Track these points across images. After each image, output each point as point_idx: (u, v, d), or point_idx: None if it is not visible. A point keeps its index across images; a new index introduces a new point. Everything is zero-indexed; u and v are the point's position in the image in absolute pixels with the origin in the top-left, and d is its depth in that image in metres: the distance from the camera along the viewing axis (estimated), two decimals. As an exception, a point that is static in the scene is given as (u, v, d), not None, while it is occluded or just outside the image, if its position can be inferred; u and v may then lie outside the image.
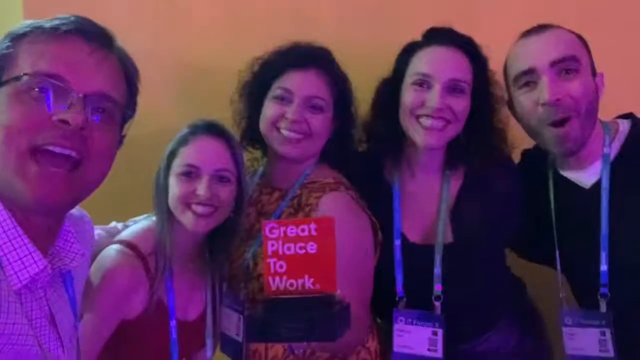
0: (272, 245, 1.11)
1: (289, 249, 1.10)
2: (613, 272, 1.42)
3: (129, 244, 1.44)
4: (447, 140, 1.51)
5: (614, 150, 1.47)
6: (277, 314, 1.03)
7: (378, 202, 1.54)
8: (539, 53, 1.44)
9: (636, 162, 1.44)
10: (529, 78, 1.45)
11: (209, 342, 1.54)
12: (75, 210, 1.11)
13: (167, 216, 1.45)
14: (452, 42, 1.50)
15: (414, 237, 1.56)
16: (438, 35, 1.52)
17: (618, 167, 1.45)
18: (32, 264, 0.89)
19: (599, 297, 1.43)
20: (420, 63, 1.50)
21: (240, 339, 1.50)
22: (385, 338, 1.59)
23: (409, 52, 1.54)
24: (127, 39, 1.04)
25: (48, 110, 0.87)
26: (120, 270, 1.39)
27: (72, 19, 0.94)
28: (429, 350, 1.52)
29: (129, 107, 1.00)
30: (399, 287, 1.53)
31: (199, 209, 1.42)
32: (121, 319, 1.41)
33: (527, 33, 1.50)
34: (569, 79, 1.42)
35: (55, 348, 0.95)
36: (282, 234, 1.10)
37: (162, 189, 1.47)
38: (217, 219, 1.45)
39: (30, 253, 0.89)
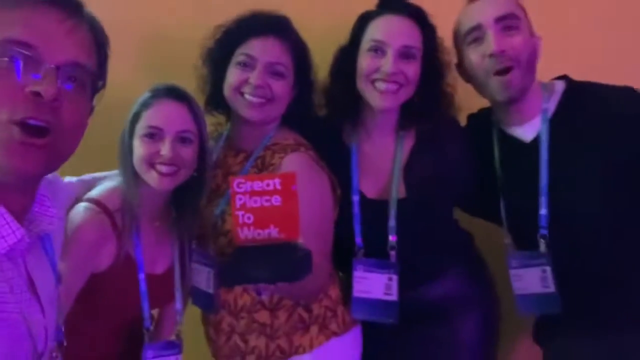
0: (240, 199, 1.21)
1: (255, 202, 1.21)
2: (551, 216, 1.56)
3: (96, 202, 1.50)
4: (400, 103, 1.62)
5: (551, 106, 1.62)
6: (246, 260, 1.14)
7: (337, 162, 1.65)
8: (484, 11, 1.59)
9: (572, 117, 1.58)
10: (476, 34, 1.59)
11: (177, 295, 1.62)
12: (50, 179, 1.11)
13: (132, 176, 1.51)
14: (403, 11, 1.61)
15: (370, 193, 1.67)
16: (391, 5, 1.63)
17: (555, 122, 1.59)
18: (9, 234, 0.89)
19: (538, 238, 1.57)
20: (375, 31, 1.60)
21: (211, 291, 1.59)
22: (345, 286, 1.71)
23: (364, 20, 1.64)
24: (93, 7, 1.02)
25: (18, 82, 0.85)
26: (88, 226, 1.45)
27: None
28: (385, 294, 1.63)
29: (100, 76, 0.99)
30: (358, 238, 1.65)
31: (163, 168, 1.48)
32: (91, 272, 1.47)
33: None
34: (511, 34, 1.56)
35: (35, 312, 0.96)
36: (248, 189, 1.21)
37: (126, 150, 1.52)
38: (180, 177, 1.51)
39: (7, 223, 0.89)
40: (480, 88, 1.64)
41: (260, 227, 1.21)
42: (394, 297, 1.64)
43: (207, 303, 1.63)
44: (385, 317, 1.64)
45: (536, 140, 1.60)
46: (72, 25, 0.91)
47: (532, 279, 1.58)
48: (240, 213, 1.21)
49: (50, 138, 0.88)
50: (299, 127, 1.68)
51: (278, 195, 1.20)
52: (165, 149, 1.48)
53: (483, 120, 1.73)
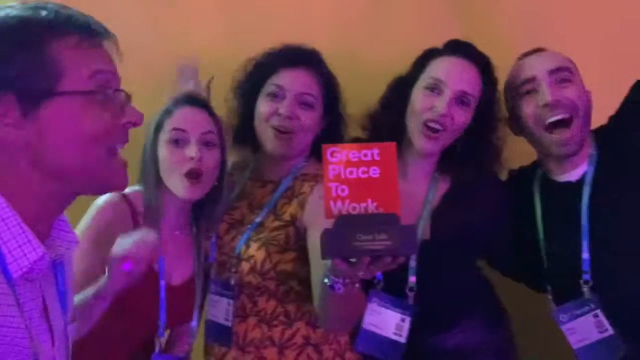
0: (334, 169, 1.11)
1: (351, 173, 1.10)
2: (592, 259, 1.53)
3: (122, 194, 1.49)
4: (441, 147, 1.60)
5: (598, 150, 1.62)
6: (356, 227, 1.02)
7: None
8: (538, 64, 1.60)
9: (616, 157, 1.60)
10: (529, 86, 1.59)
11: (195, 312, 1.56)
12: None
13: (155, 186, 1.49)
14: (469, 57, 1.61)
15: None
16: (458, 47, 1.63)
17: (600, 162, 1.60)
18: (31, 252, 0.87)
19: (582, 284, 1.53)
20: (436, 69, 1.60)
21: (229, 324, 1.52)
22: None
23: (427, 56, 1.63)
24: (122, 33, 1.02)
25: (116, 113, 0.92)
26: (107, 205, 1.45)
27: (91, 20, 0.93)
28: (394, 333, 1.56)
29: None
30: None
31: (193, 174, 1.45)
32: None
33: (525, 54, 1.67)
34: (565, 86, 1.57)
35: (45, 341, 0.92)
36: (344, 158, 1.11)
37: (150, 161, 1.50)
38: (206, 184, 1.48)
39: (29, 240, 0.87)
40: (534, 141, 1.64)
41: (356, 201, 1.09)
42: (402, 339, 1.57)
43: (222, 337, 1.54)
44: (389, 357, 1.56)
45: (580, 181, 1.59)
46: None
47: (586, 328, 1.51)
48: (333, 185, 1.09)
49: None
50: None
51: (376, 167, 1.10)
52: (192, 152, 1.45)
53: (524, 175, 1.73)
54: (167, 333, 1.57)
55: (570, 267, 1.56)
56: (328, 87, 1.61)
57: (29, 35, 0.86)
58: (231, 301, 1.51)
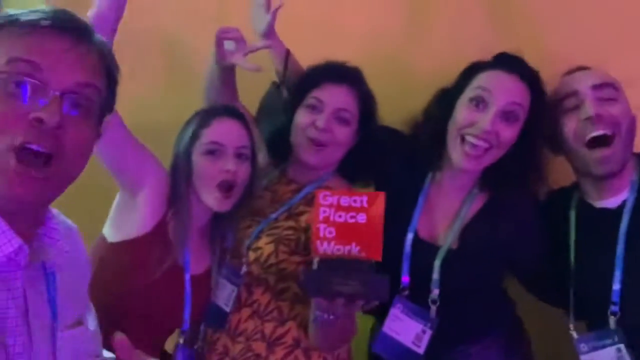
0: (324, 211, 1.20)
1: (340, 217, 1.19)
2: (624, 291, 1.49)
3: None
4: (482, 167, 1.57)
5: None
6: (333, 271, 1.12)
7: (405, 191, 1.61)
8: (582, 79, 1.55)
9: None
10: (572, 101, 1.54)
11: None
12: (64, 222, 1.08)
13: (186, 194, 1.54)
14: (519, 71, 1.55)
15: (424, 235, 1.64)
16: (507, 61, 1.57)
17: None
18: (5, 243, 0.85)
19: (609, 315, 1.49)
20: (483, 81, 1.55)
21: (228, 309, 1.58)
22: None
23: (474, 69, 1.59)
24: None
25: (25, 106, 0.85)
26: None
27: (51, 12, 0.91)
28: (413, 343, 1.57)
29: (107, 102, 0.98)
30: (405, 277, 1.59)
31: (226, 184, 1.51)
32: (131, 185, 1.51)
33: (569, 71, 1.61)
34: (609, 103, 1.52)
35: (19, 343, 0.89)
36: (334, 202, 1.20)
37: (183, 169, 1.55)
38: (236, 196, 1.54)
39: (3, 232, 0.85)
40: (573, 159, 1.59)
41: (341, 243, 1.19)
42: (421, 350, 1.58)
43: (218, 320, 1.60)
44: None
45: (619, 208, 1.54)
46: (82, 53, 0.91)
47: None
48: (322, 226, 1.20)
49: (52, 166, 0.87)
50: (352, 175, 1.69)
51: (364, 213, 1.19)
52: (229, 164, 1.51)
53: (562, 196, 1.68)
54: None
55: (599, 297, 1.52)
56: (365, 105, 1.64)
57: None
58: (236, 289, 1.57)
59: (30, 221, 0.92)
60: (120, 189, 1.56)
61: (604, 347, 1.50)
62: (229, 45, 1.68)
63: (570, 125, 1.54)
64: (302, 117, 1.62)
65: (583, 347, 1.54)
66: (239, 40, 1.67)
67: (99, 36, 0.96)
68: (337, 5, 2.01)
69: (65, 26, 0.90)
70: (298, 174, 1.68)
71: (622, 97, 1.54)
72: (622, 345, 1.48)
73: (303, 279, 1.17)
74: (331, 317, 1.26)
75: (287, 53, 1.77)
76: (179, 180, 1.55)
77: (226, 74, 1.73)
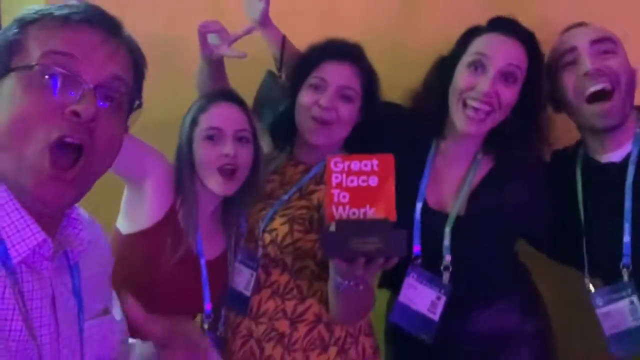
0: (336, 177, 1.23)
1: (352, 181, 1.22)
2: (635, 243, 1.50)
3: None
4: (485, 130, 1.59)
5: None
6: (351, 231, 1.15)
7: (410, 164, 1.60)
8: (579, 35, 1.57)
9: None
10: (570, 57, 1.56)
11: None
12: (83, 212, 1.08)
13: (191, 180, 1.56)
14: (514, 33, 1.56)
15: (432, 203, 1.66)
16: (502, 24, 1.59)
17: None
18: (30, 237, 0.86)
19: (621, 267, 1.50)
20: (480, 45, 1.57)
21: (248, 293, 1.60)
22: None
23: (470, 34, 1.61)
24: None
25: (60, 98, 0.86)
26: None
27: (83, 7, 0.92)
28: (428, 310, 1.60)
29: (136, 96, 1.00)
30: (417, 246, 1.62)
31: (226, 168, 1.52)
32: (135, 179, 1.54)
33: (567, 28, 1.63)
34: (608, 57, 1.53)
35: (46, 334, 0.91)
36: (346, 168, 1.23)
37: (185, 157, 1.57)
38: (240, 180, 1.56)
39: (28, 225, 0.87)
40: (575, 115, 1.61)
41: (356, 207, 1.22)
42: (436, 316, 1.61)
43: (240, 305, 1.62)
44: (421, 332, 1.61)
45: (625, 161, 1.56)
46: (113, 47, 0.92)
47: (621, 314, 1.51)
48: (336, 192, 1.22)
49: (81, 160, 0.89)
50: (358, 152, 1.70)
51: (375, 176, 1.22)
52: (227, 149, 1.53)
53: (567, 155, 1.70)
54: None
55: (610, 250, 1.54)
56: (368, 82, 1.66)
57: (15, 24, 0.90)
58: (254, 272, 1.59)
59: (54, 214, 0.94)
60: (126, 182, 1.58)
61: (618, 299, 1.52)
62: (213, 39, 1.69)
63: (569, 81, 1.56)
64: (305, 97, 1.63)
65: (599, 301, 1.56)
66: (221, 32, 1.69)
67: (128, 32, 0.98)
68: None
69: (97, 20, 0.92)
70: (305, 155, 1.70)
71: (621, 50, 1.56)
72: (634, 298, 1.50)
73: (321, 242, 1.20)
74: (352, 283, 1.29)
75: (284, 39, 1.79)
76: (183, 167, 1.56)
77: (215, 67, 1.74)
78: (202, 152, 1.54)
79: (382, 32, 1.98)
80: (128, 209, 1.58)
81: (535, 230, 1.70)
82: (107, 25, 0.93)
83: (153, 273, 1.50)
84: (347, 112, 1.61)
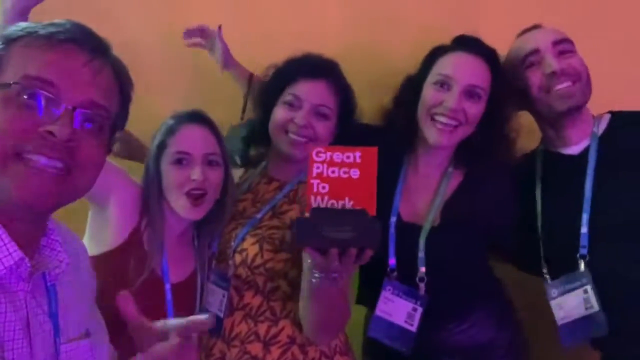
0: (317, 167, 1.21)
1: (333, 172, 1.20)
2: (590, 235, 1.55)
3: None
4: (455, 142, 1.63)
5: (600, 129, 1.67)
6: (325, 219, 1.12)
7: (385, 178, 1.60)
8: (540, 36, 1.66)
9: (619, 137, 1.63)
10: (534, 58, 1.64)
11: (196, 305, 1.59)
12: (66, 233, 1.07)
13: (158, 202, 1.52)
14: (476, 50, 1.62)
15: (406, 217, 1.68)
16: (465, 42, 1.64)
17: (603, 140, 1.63)
18: (6, 256, 0.84)
19: (578, 258, 1.55)
20: (444, 65, 1.62)
21: (222, 314, 1.56)
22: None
23: (435, 53, 1.66)
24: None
25: (37, 118, 0.86)
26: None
27: (68, 26, 0.91)
28: (405, 322, 1.61)
29: (120, 118, 0.99)
30: (392, 260, 1.63)
31: (196, 192, 1.49)
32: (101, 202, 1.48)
33: (526, 29, 1.72)
34: (568, 56, 1.63)
35: (19, 355, 0.88)
36: (327, 158, 1.21)
37: (153, 178, 1.53)
38: (209, 203, 1.52)
39: (4, 244, 0.85)
40: (537, 106, 1.66)
41: (334, 198, 1.20)
42: (413, 328, 1.61)
43: (213, 327, 1.52)
44: (399, 344, 1.61)
45: (584, 155, 1.63)
46: (96, 68, 0.92)
47: (574, 304, 1.55)
48: (315, 182, 1.20)
49: (62, 174, 0.88)
50: None
51: (357, 169, 1.20)
52: (195, 174, 1.49)
53: (529, 157, 1.77)
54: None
55: (567, 241, 1.58)
56: (344, 99, 1.65)
57: (1, 40, 0.90)
58: (226, 293, 1.55)
59: (33, 232, 0.93)
60: (90, 202, 1.52)
61: (572, 289, 1.56)
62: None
63: (534, 80, 1.64)
64: (280, 113, 1.61)
65: (553, 292, 1.61)
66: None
67: (114, 53, 0.97)
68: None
69: (83, 40, 0.91)
70: (279, 171, 1.68)
71: (576, 49, 1.66)
72: (589, 287, 1.53)
73: (294, 228, 1.17)
74: (327, 276, 1.25)
75: (250, 77, 1.85)
76: (151, 189, 1.53)
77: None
78: (170, 175, 1.50)
79: (362, 41, 2.01)
80: (92, 230, 1.52)
81: (503, 237, 1.72)
82: (92, 45, 0.92)
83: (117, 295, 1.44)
84: (324, 129, 1.61)
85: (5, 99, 0.85)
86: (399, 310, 1.63)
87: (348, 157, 1.21)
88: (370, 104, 1.75)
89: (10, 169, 0.84)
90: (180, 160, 1.50)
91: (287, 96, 1.61)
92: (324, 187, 1.20)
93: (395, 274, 1.64)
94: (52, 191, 0.87)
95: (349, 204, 1.19)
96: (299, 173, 1.63)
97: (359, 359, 1.73)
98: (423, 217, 1.66)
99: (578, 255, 1.56)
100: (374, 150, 1.20)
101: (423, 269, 1.62)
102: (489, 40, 1.66)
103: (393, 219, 1.66)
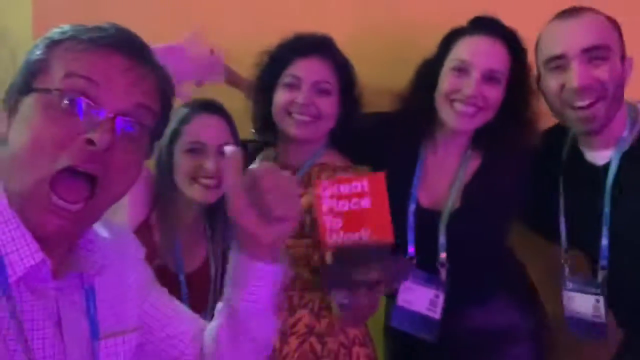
0: (327, 203, 1.18)
1: (343, 205, 1.17)
2: (612, 246, 1.50)
3: None
4: (475, 126, 1.59)
5: (631, 137, 1.51)
6: (351, 261, 1.10)
7: (401, 166, 1.63)
8: (571, 39, 1.46)
9: None
10: (559, 62, 1.48)
11: (210, 297, 1.59)
12: (113, 228, 1.07)
13: (171, 189, 1.54)
14: (494, 33, 1.56)
15: (425, 203, 1.65)
16: (482, 24, 1.58)
17: (632, 150, 1.49)
18: (27, 256, 0.84)
19: (598, 268, 1.52)
20: (462, 50, 1.57)
21: None
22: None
23: (452, 37, 1.60)
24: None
25: (77, 124, 0.84)
26: None
27: (113, 30, 0.90)
28: (427, 309, 1.60)
29: (159, 126, 0.97)
30: (411, 247, 1.61)
31: (208, 182, 1.50)
32: None
33: (561, 15, 1.51)
34: (597, 65, 1.44)
35: (51, 353, 0.89)
36: (335, 192, 1.17)
37: (165, 166, 1.54)
38: (221, 191, 1.51)
39: (27, 244, 0.84)
40: (557, 115, 1.56)
41: (350, 231, 1.17)
42: (436, 315, 1.60)
43: None
44: (424, 333, 1.60)
45: (607, 166, 1.52)
46: (140, 73, 0.90)
47: (584, 306, 1.55)
48: (327, 218, 1.17)
49: (93, 190, 0.86)
50: (346, 146, 1.68)
51: (367, 197, 1.16)
52: (209, 163, 1.51)
53: (557, 137, 1.65)
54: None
55: (588, 249, 1.56)
56: (343, 73, 1.63)
57: (41, 44, 0.89)
58: None
59: (62, 241, 0.91)
60: None
61: (587, 292, 1.55)
62: None
63: (554, 86, 1.50)
64: (281, 96, 1.61)
65: (569, 284, 1.60)
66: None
67: (157, 59, 0.95)
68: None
69: (126, 46, 0.89)
70: (290, 157, 1.67)
71: (615, 51, 1.47)
72: (601, 298, 1.52)
73: (321, 277, 1.15)
74: (354, 302, 1.25)
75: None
76: (163, 176, 1.54)
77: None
78: (184, 163, 1.53)
79: (367, 25, 1.95)
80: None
81: (524, 219, 1.72)
82: (135, 51, 0.89)
83: None
84: (327, 105, 1.60)
85: (46, 105, 0.84)
86: (421, 298, 1.62)
87: (355, 187, 1.17)
88: (384, 90, 1.71)
89: (40, 199, 0.83)
90: (194, 149, 1.51)
91: (285, 78, 1.61)
92: (337, 223, 1.17)
93: (414, 261, 1.63)
94: (73, 225, 0.86)
95: (365, 234, 1.17)
96: (310, 156, 1.64)
97: (379, 349, 1.74)
98: (442, 202, 1.64)
99: (598, 267, 1.52)
100: (381, 176, 1.17)
101: (444, 255, 1.61)
102: (508, 20, 1.58)
103: (412, 207, 1.64)
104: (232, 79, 1.84)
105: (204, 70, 1.76)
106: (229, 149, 0.86)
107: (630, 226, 1.47)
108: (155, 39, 1.85)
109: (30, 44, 0.92)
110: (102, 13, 1.84)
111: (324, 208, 1.17)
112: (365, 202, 1.17)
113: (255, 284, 0.93)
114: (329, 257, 1.17)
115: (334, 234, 1.17)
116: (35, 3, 1.97)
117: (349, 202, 1.17)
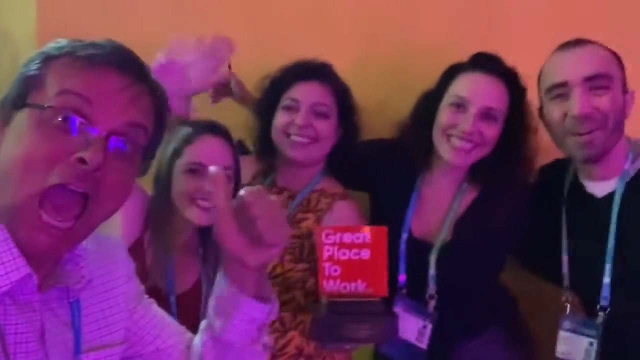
0: (328, 250, 1.20)
1: (343, 254, 1.19)
2: (614, 283, 1.46)
3: None
4: (472, 161, 1.59)
5: (633, 169, 1.51)
6: (343, 316, 1.12)
7: (396, 195, 1.64)
8: (573, 67, 1.47)
9: None
10: (561, 90, 1.48)
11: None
12: (102, 241, 1.05)
13: (167, 209, 1.51)
14: (494, 71, 1.56)
15: (418, 233, 1.66)
16: (482, 62, 1.58)
17: (632, 185, 1.48)
18: (13, 270, 0.82)
19: (597, 309, 1.48)
20: (461, 86, 1.57)
21: None
22: None
23: (452, 72, 1.60)
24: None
25: (69, 141, 0.82)
26: None
27: (109, 48, 0.89)
28: (416, 339, 1.61)
29: (152, 145, 0.95)
30: (402, 276, 1.61)
31: (205, 203, 1.48)
32: None
33: (565, 46, 1.52)
34: (599, 94, 1.45)
35: None
36: (337, 240, 1.19)
37: (163, 184, 1.52)
38: None
39: (13, 258, 0.82)
40: (559, 143, 1.56)
41: (347, 280, 1.19)
42: (423, 345, 1.61)
43: None
44: None
45: (609, 197, 1.50)
46: (136, 92, 0.88)
47: (577, 349, 1.50)
48: (327, 265, 1.20)
49: (83, 213, 0.85)
50: (342, 172, 1.69)
51: (368, 249, 1.19)
52: (209, 186, 1.46)
53: (557, 172, 1.66)
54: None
55: (590, 287, 1.53)
56: (342, 98, 1.65)
57: (38, 58, 0.88)
58: None
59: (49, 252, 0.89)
60: None
61: (581, 334, 1.52)
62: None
63: (555, 113, 1.50)
64: (280, 118, 1.62)
65: (566, 324, 1.56)
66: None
67: (154, 78, 0.93)
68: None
69: (122, 64, 0.87)
70: (288, 180, 1.68)
71: (616, 82, 1.48)
72: (595, 342, 1.49)
73: (313, 327, 1.17)
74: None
75: None
76: (161, 194, 1.53)
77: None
78: (183, 184, 1.50)
79: (373, 60, 1.95)
80: None
81: (516, 250, 1.70)
82: (131, 70, 0.88)
83: None
84: (324, 127, 1.61)
85: (39, 121, 0.83)
86: (409, 327, 1.61)
87: (358, 238, 1.20)
88: (385, 116, 1.73)
89: (29, 217, 0.81)
90: (194, 170, 1.49)
91: (284, 101, 1.62)
92: (335, 270, 1.20)
93: (404, 290, 1.63)
94: (62, 243, 0.84)
95: (361, 286, 1.19)
96: (309, 180, 1.65)
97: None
98: (435, 233, 1.65)
99: (598, 307, 1.49)
100: (383, 230, 1.19)
101: (433, 286, 1.62)
102: (507, 57, 1.59)
103: (405, 235, 1.64)
104: (242, 94, 1.84)
105: (204, 76, 1.76)
106: (212, 169, 0.86)
107: (633, 262, 1.46)
108: (158, 44, 1.90)
109: (33, 46, 0.91)
110: (106, 16, 1.86)
111: (325, 255, 1.19)
112: (365, 254, 1.20)
113: (241, 318, 0.93)
114: (323, 308, 1.19)
115: (332, 281, 1.20)
116: (39, 4, 1.93)
117: (349, 252, 1.19)
